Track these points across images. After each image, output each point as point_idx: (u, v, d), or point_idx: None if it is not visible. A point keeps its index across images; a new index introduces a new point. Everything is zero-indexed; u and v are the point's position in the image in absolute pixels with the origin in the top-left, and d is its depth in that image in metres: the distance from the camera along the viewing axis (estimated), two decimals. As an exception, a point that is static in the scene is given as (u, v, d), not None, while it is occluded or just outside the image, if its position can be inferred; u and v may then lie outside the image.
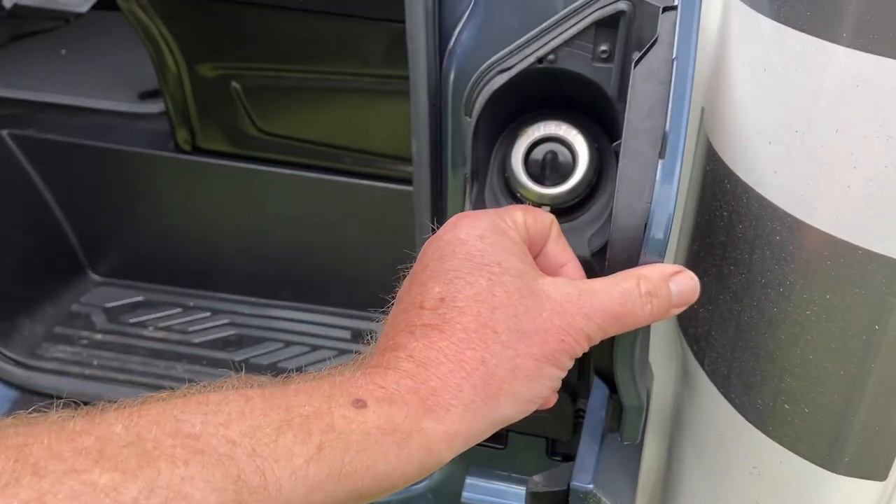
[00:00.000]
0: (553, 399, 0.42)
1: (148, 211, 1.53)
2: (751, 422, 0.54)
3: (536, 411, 0.61)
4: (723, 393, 0.57)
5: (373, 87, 1.28)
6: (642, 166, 0.44)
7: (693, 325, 0.62)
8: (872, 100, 0.40)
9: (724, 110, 0.53)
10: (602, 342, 0.41)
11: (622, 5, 0.58)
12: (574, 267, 0.45)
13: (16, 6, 2.06)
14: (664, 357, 0.75)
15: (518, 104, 0.64)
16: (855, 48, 0.40)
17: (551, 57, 0.61)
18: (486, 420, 0.36)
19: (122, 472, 0.27)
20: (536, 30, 0.61)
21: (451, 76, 0.76)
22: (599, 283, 0.40)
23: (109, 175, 1.49)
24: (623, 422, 0.55)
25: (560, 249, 0.45)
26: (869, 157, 0.41)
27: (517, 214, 0.42)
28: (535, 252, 0.44)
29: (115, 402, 0.31)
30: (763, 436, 0.54)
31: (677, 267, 0.42)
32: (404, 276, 0.43)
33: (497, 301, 0.37)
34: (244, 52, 1.33)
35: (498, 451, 1.02)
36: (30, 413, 0.31)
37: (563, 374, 0.39)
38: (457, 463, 1.07)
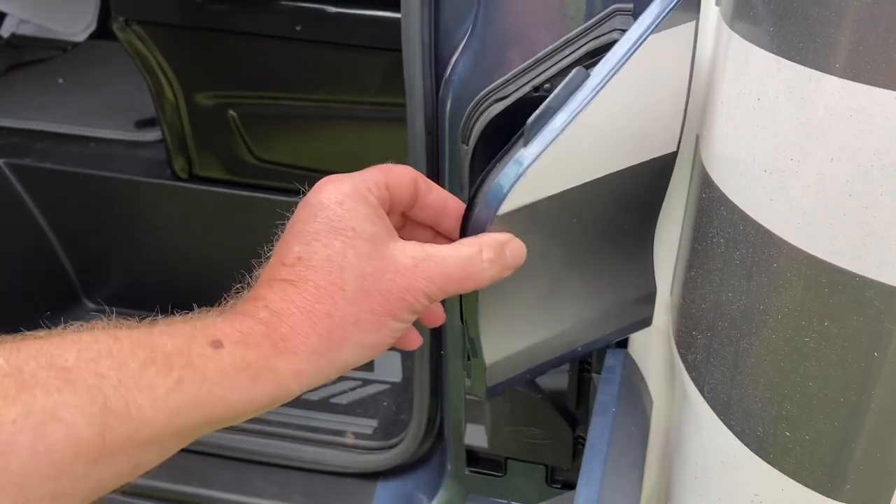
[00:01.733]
0: (391, 344, 0.46)
1: (144, 239, 1.52)
2: (751, 449, 0.54)
3: (536, 438, 0.64)
4: (723, 420, 0.57)
5: (369, 114, 1.28)
6: (513, 157, 0.51)
7: (692, 351, 0.62)
8: (866, 129, 0.40)
9: (720, 139, 0.53)
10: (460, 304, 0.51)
11: (616, 35, 0.58)
12: (456, 205, 0.51)
13: (13, 35, 2.07)
14: (663, 383, 0.75)
15: (514, 131, 0.64)
16: (848, 78, 0.40)
17: (547, 85, 0.61)
18: (331, 364, 0.42)
19: (2, 398, 0.32)
20: (532, 59, 0.62)
21: (448, 104, 0.77)
22: (446, 248, 0.46)
23: (106, 203, 1.50)
24: (470, 375, 0.60)
25: (436, 193, 0.50)
26: (864, 186, 0.41)
27: (377, 176, 0.46)
28: (407, 205, 0.49)
29: None
30: (764, 463, 0.54)
31: (508, 235, 0.48)
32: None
33: (347, 262, 0.42)
34: (241, 80, 1.34)
35: (497, 478, 1.01)
36: None
37: (406, 326, 0.44)
38: (456, 491, 1.07)
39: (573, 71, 0.52)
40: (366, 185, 0.45)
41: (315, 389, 1.39)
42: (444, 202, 0.50)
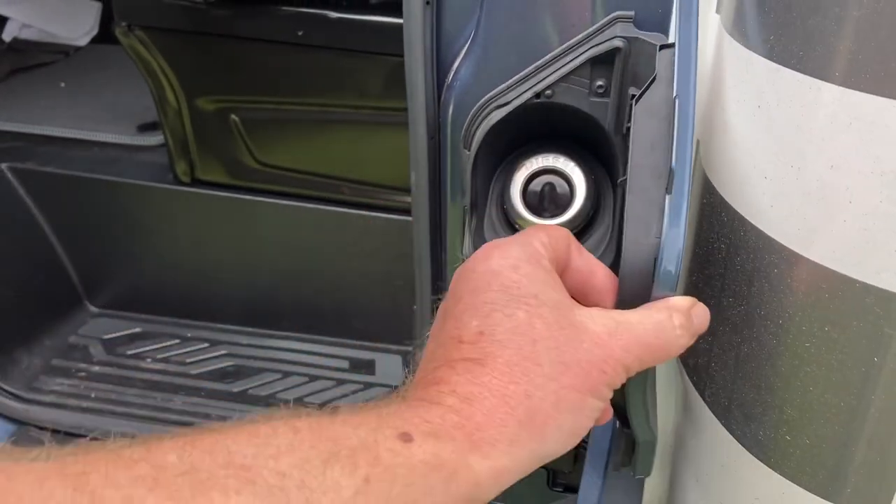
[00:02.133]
0: (590, 427, 0.41)
1: (146, 242, 1.53)
2: (752, 453, 0.55)
3: None
4: (724, 424, 0.57)
5: (371, 118, 1.29)
6: (649, 202, 0.44)
7: (693, 356, 0.62)
8: (866, 137, 0.41)
9: (720, 145, 0.54)
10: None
11: (617, 42, 0.59)
12: (605, 273, 0.44)
13: (15, 40, 2.08)
14: (664, 387, 0.75)
15: (516, 137, 0.65)
16: (847, 87, 0.41)
17: (548, 92, 0.62)
18: (532, 455, 0.36)
19: (175, 501, 0.28)
20: (534, 66, 0.62)
21: (450, 110, 0.77)
22: (634, 314, 0.41)
23: (108, 207, 1.50)
24: (636, 456, 0.54)
25: (585, 259, 0.44)
26: (864, 193, 0.42)
27: (542, 236, 0.42)
28: (561, 269, 0.43)
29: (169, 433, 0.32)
30: (765, 467, 0.54)
31: (692, 299, 0.43)
32: (436, 309, 0.43)
33: (537, 333, 0.37)
34: (243, 85, 1.34)
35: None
36: (89, 440, 0.32)
37: (604, 406, 0.39)
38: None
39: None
40: (534, 248, 0.41)
41: (316, 392, 1.38)
42: (591, 269, 0.44)
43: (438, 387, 0.36)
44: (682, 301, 0.42)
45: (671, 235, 0.43)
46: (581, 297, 0.44)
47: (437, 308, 0.43)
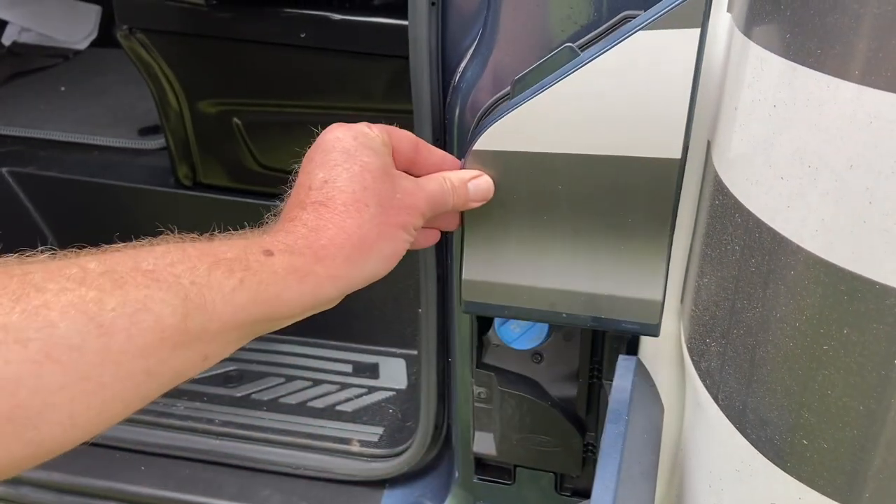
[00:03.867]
0: (403, 253, 0.54)
1: (148, 246, 1.52)
2: (768, 458, 0.54)
3: (545, 446, 0.67)
4: (738, 428, 0.57)
5: (375, 121, 1.28)
6: None
7: (705, 359, 0.61)
8: (886, 135, 0.40)
9: (734, 146, 0.53)
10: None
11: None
12: (451, 161, 0.61)
13: (15, 44, 2.07)
14: (674, 390, 0.75)
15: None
16: (866, 84, 0.40)
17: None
18: (361, 270, 0.49)
19: (101, 290, 0.38)
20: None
21: (456, 111, 0.77)
22: (426, 179, 0.57)
23: (109, 211, 1.49)
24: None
25: (436, 156, 0.59)
26: (885, 193, 0.41)
27: (380, 126, 0.55)
28: (408, 162, 0.57)
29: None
30: (781, 472, 0.53)
31: (476, 172, 0.59)
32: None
33: (367, 183, 0.50)
34: (245, 88, 1.33)
35: (506, 486, 1.01)
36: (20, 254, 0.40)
37: (412, 238, 0.53)
38: (464, 498, 1.06)
39: (562, 46, 0.59)
40: (371, 130, 0.54)
41: (320, 396, 1.36)
42: (444, 159, 0.60)
43: (293, 222, 0.48)
44: (461, 172, 0.59)
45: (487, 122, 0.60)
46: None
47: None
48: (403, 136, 0.57)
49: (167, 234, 0.46)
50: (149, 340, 0.38)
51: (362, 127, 0.53)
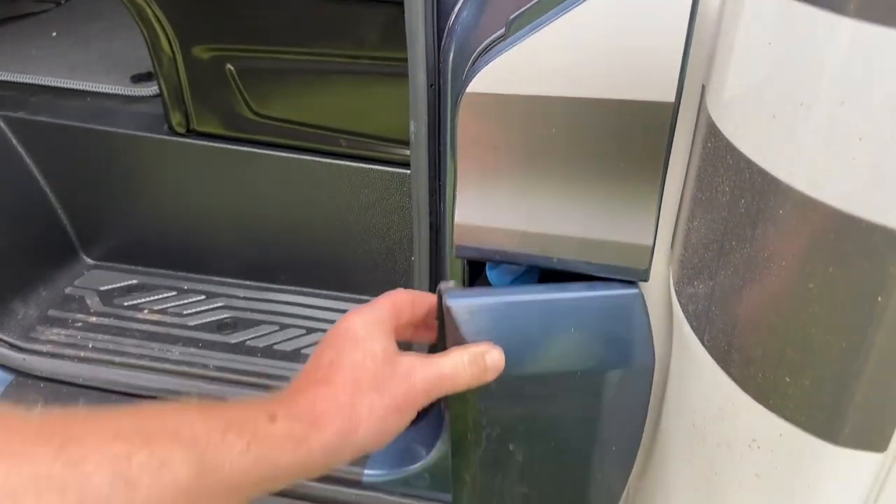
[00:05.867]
0: (396, 433, 0.59)
1: (142, 194, 1.52)
2: (751, 395, 0.55)
3: None
4: (723, 368, 0.58)
5: (370, 69, 1.27)
6: None
7: (693, 301, 0.62)
8: (879, 70, 0.40)
9: (728, 86, 0.53)
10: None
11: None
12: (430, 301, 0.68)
13: (5, -12, 2.04)
14: (662, 334, 0.75)
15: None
16: (862, 19, 0.40)
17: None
18: (350, 443, 0.54)
19: (132, 445, 0.43)
20: (539, 5, 0.61)
21: (451, 56, 0.76)
22: (438, 356, 0.61)
23: (103, 158, 1.48)
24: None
25: (428, 303, 0.67)
26: (875, 129, 0.41)
27: (387, 305, 0.63)
28: (408, 316, 0.65)
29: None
30: (763, 409, 0.54)
31: (488, 345, 0.62)
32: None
33: (367, 367, 0.57)
34: (239, 34, 1.32)
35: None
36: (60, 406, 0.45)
37: (409, 418, 0.58)
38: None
39: None
40: (382, 313, 0.61)
41: (313, 344, 1.38)
42: (432, 305, 0.68)
43: (297, 394, 0.55)
44: (476, 347, 0.62)
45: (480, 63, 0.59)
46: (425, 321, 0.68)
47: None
48: (398, 300, 0.64)
49: (190, 398, 0.52)
50: (166, 495, 0.43)
51: (371, 311, 0.61)
